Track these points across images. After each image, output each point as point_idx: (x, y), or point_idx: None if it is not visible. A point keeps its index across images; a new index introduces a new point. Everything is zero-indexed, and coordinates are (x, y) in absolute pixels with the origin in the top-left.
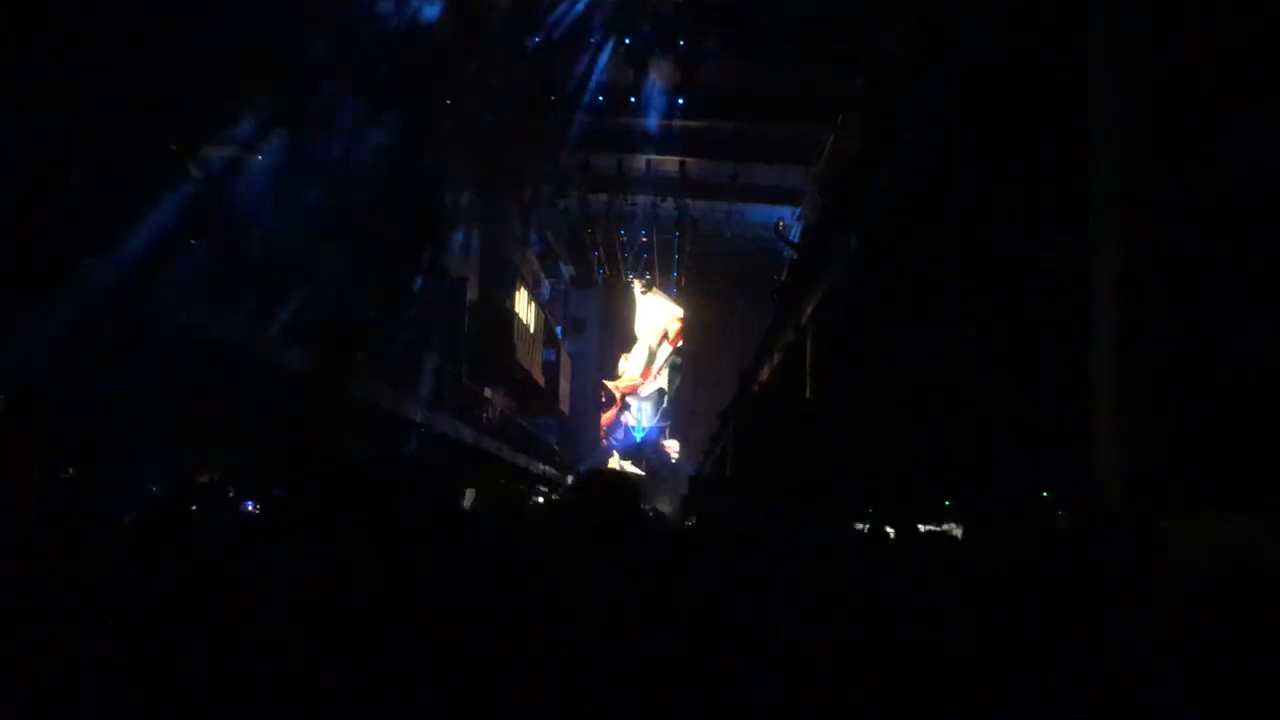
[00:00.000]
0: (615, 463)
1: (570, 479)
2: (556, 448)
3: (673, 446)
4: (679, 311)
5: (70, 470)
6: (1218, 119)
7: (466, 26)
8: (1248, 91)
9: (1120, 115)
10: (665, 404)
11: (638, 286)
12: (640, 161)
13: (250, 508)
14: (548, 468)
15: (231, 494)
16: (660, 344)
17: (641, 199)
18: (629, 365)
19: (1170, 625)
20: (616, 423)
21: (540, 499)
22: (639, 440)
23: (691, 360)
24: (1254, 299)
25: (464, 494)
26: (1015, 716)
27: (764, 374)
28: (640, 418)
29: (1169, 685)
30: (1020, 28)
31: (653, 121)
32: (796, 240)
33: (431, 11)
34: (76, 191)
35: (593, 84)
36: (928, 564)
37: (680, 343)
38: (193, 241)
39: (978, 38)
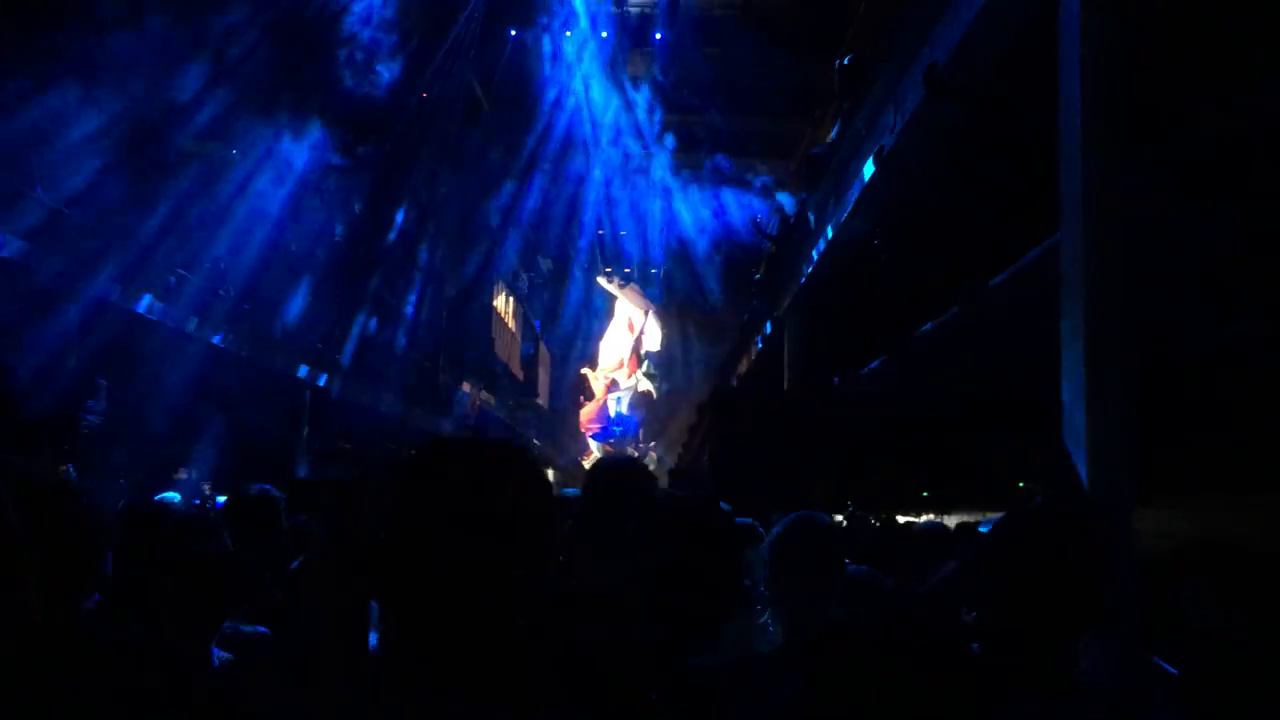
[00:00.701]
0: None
1: (552, 473)
2: (536, 441)
3: (651, 446)
4: (650, 305)
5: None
6: (1187, 115)
7: (439, 20)
8: (1216, 88)
9: (1089, 106)
10: (645, 400)
11: (613, 285)
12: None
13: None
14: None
15: (208, 490)
16: (635, 335)
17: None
18: (605, 353)
19: (1140, 606)
20: (596, 416)
21: None
22: (619, 433)
23: (668, 354)
24: (1221, 291)
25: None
26: (998, 699)
27: (742, 367)
28: (621, 408)
29: (1142, 663)
30: (991, 20)
31: (629, 115)
32: (774, 233)
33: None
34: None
35: (570, 78)
36: (906, 552)
37: (643, 333)
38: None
39: (950, 31)
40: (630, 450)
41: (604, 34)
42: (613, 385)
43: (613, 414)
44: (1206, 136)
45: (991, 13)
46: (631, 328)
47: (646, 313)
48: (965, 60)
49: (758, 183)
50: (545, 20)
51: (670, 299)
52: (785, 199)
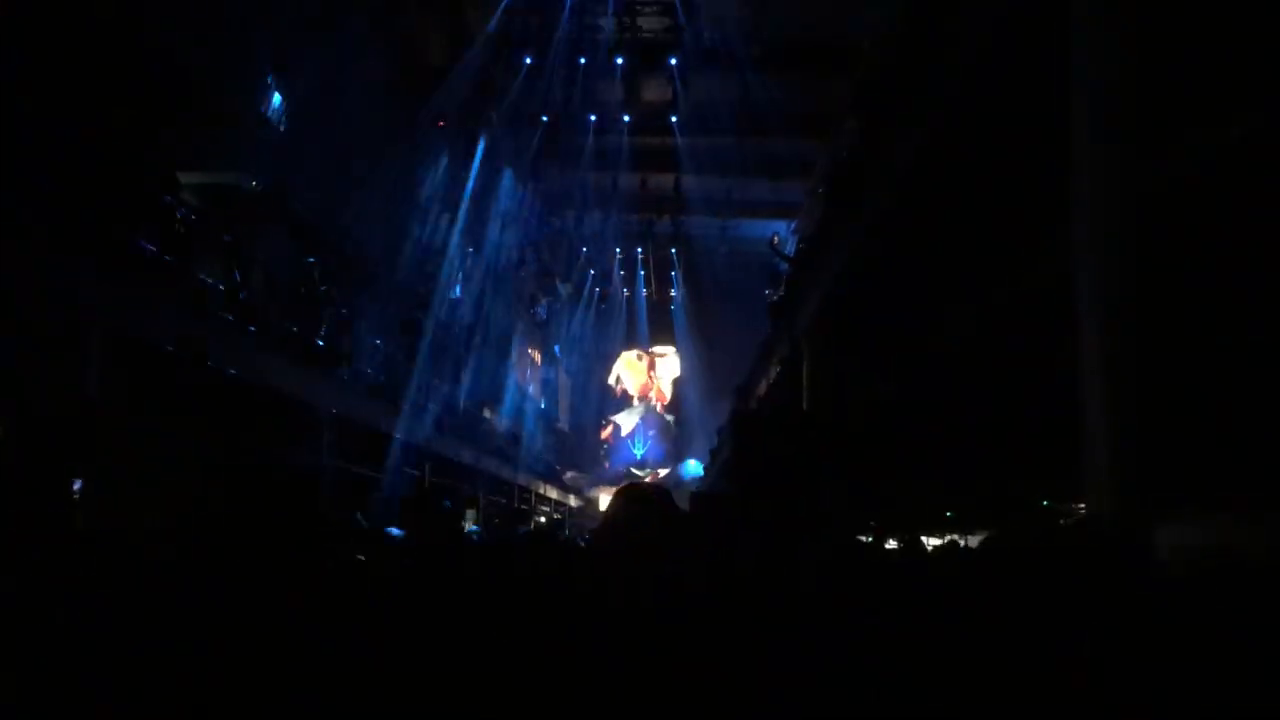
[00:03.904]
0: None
1: (574, 499)
2: (556, 466)
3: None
4: (668, 349)
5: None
6: (1195, 127)
7: (456, 46)
8: (1223, 101)
9: (1100, 122)
10: (666, 429)
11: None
12: (635, 178)
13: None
14: (549, 487)
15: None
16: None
17: (636, 216)
18: (625, 379)
19: (1156, 623)
20: (615, 436)
21: (542, 519)
22: (640, 458)
23: (688, 375)
24: (1232, 303)
25: (464, 515)
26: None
27: (761, 388)
28: (643, 436)
29: (1154, 681)
30: (1004, 41)
31: (647, 139)
32: (792, 254)
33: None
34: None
35: (587, 102)
36: (934, 572)
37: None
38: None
39: (963, 53)
40: (652, 470)
41: (619, 60)
42: (638, 411)
43: (636, 442)
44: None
45: (1004, 33)
46: (653, 364)
47: (666, 350)
48: (979, 83)
49: (777, 204)
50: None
51: (690, 321)
52: (802, 219)
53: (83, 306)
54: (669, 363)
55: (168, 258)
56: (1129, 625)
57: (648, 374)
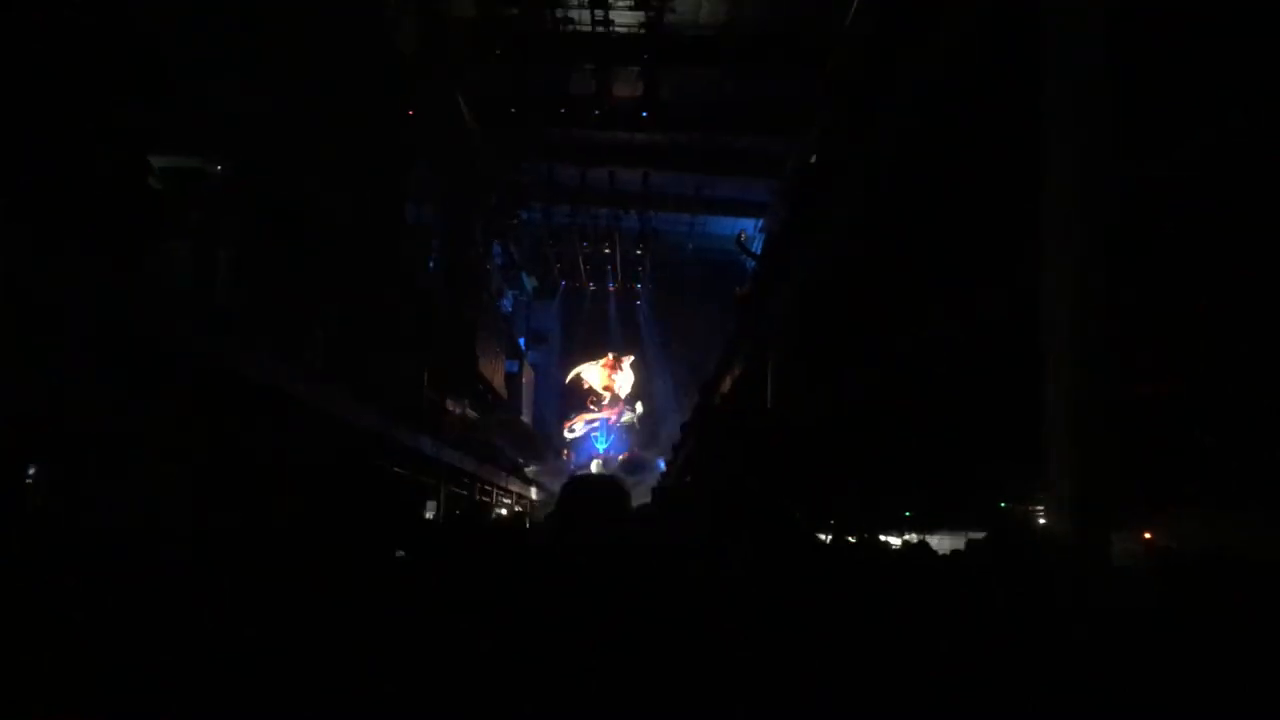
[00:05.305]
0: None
1: (534, 491)
2: (520, 460)
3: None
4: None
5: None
6: (1172, 131)
7: (429, 37)
8: (1201, 103)
9: (1074, 127)
10: (629, 429)
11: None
12: (603, 173)
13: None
14: (512, 480)
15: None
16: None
17: (604, 211)
18: (587, 377)
19: (1114, 620)
20: (584, 433)
21: (504, 511)
22: (603, 452)
23: (654, 371)
24: (1202, 308)
25: (424, 506)
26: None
27: (726, 385)
28: (604, 434)
29: (1116, 676)
30: (977, 41)
31: (616, 134)
32: (759, 252)
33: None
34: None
35: (556, 96)
36: (891, 571)
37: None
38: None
39: (935, 51)
40: (619, 466)
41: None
42: (599, 413)
43: (599, 436)
44: (1198, 152)
45: (977, 33)
46: (616, 362)
47: (626, 360)
48: (951, 81)
49: (745, 201)
50: None
51: (656, 316)
52: (771, 216)
53: None
54: (631, 360)
55: None
56: (1085, 625)
57: (610, 371)
